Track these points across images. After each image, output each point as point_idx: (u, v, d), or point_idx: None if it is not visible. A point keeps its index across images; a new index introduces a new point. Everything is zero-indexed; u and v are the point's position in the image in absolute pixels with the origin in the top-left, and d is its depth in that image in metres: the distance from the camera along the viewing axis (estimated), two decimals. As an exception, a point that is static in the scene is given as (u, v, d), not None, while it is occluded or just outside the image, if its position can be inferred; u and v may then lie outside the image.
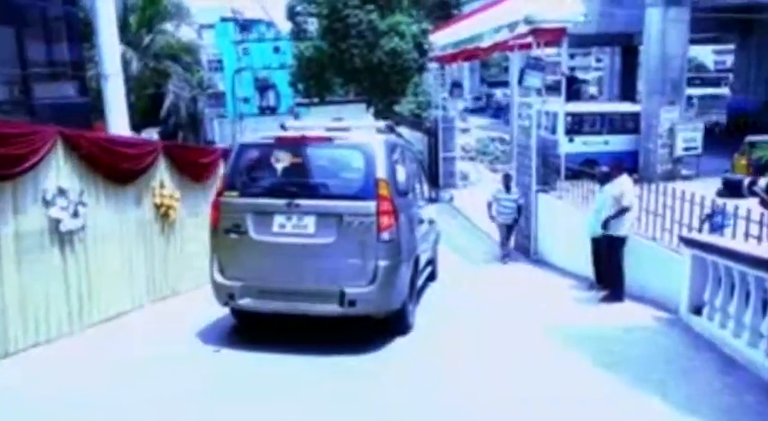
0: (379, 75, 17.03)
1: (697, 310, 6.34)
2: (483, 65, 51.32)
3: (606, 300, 7.68)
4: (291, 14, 19.65)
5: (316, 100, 18.87)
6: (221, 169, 8.70)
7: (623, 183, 7.63)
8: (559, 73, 11.11)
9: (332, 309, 5.21)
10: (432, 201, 8.06)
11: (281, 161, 5.52)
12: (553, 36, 10.65)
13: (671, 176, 17.71)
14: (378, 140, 5.62)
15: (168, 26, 16.32)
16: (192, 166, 8.39)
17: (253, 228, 5.40)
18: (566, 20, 10.16)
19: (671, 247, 7.35)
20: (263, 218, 5.41)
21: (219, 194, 5.64)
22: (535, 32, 10.54)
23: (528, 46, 11.59)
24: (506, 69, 38.43)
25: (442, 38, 16.52)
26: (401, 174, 6.02)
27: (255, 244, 5.38)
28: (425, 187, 7.80)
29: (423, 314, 6.43)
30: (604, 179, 8.31)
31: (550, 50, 12.23)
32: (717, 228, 7.95)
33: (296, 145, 5.59)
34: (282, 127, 6.19)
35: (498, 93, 42.38)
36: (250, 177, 5.76)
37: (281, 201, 5.35)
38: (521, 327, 6.46)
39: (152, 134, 22.85)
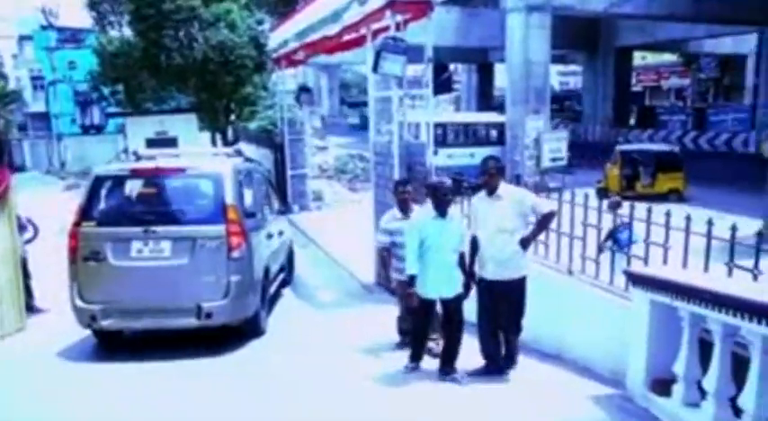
0: (207, 75, 13.76)
1: (662, 388, 4.03)
2: (342, 86, 49.72)
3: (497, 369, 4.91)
4: (92, 2, 15.78)
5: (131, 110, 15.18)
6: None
7: (517, 189, 5.07)
8: (426, 60, 8.76)
9: (190, 322, 5.59)
10: (281, 213, 8.34)
11: (137, 191, 6.00)
12: (416, 10, 8.29)
13: (539, 189, 16.58)
14: (227, 168, 6.01)
15: None
16: None
17: (111, 254, 5.65)
18: (430, -13, 7.80)
19: (599, 284, 5.08)
20: (120, 244, 5.67)
21: (77, 224, 5.76)
22: (392, 5, 8.13)
23: (386, 29, 9.16)
24: (366, 90, 36.73)
25: (285, 32, 13.71)
26: (249, 197, 6.36)
27: (114, 268, 5.66)
28: (274, 201, 8.06)
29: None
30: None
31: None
32: (624, 246, 6.14)
33: (150, 175, 5.99)
34: (135, 154, 6.52)
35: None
36: (107, 207, 5.97)
37: (138, 229, 5.64)
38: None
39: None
